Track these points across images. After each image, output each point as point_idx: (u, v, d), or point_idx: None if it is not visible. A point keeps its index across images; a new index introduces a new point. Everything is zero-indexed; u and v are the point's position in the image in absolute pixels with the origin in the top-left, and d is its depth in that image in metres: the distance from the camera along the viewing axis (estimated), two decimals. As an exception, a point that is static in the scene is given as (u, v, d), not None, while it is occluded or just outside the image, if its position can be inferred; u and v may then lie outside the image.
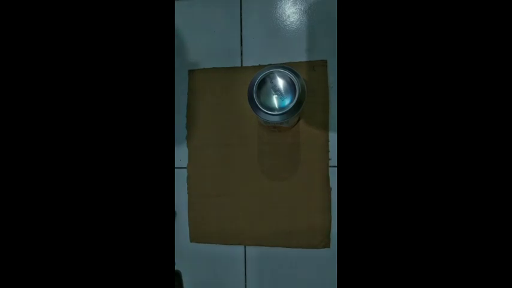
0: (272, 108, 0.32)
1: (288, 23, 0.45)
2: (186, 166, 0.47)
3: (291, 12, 0.45)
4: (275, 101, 0.32)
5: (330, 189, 0.43)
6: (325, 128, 0.43)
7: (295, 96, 0.31)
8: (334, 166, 0.43)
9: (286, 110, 0.31)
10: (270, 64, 0.44)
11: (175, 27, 0.47)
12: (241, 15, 0.47)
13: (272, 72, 0.31)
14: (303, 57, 0.44)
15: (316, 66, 0.43)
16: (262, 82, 0.31)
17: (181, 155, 0.47)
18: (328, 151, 0.43)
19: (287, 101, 0.31)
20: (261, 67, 0.42)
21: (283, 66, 0.31)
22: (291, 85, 0.31)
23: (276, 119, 0.32)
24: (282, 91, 0.31)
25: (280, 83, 0.31)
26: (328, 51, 0.43)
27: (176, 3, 0.47)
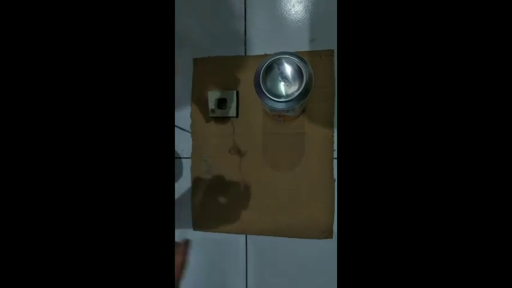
0: (278, 95, 0.31)
1: (293, 12, 0.45)
2: (189, 156, 0.47)
3: (296, 1, 0.45)
4: (282, 87, 0.31)
5: (334, 180, 0.43)
6: (331, 118, 0.43)
7: (302, 83, 0.31)
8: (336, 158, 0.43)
9: (292, 97, 0.31)
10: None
11: (179, 16, 0.47)
12: (245, 4, 0.46)
13: (279, 59, 0.31)
14: (308, 48, 0.44)
15: (322, 56, 0.43)
16: (269, 68, 0.31)
17: (185, 145, 0.47)
18: (333, 142, 0.43)
19: (294, 88, 0.31)
20: (265, 56, 0.42)
21: (291, 53, 0.31)
22: (298, 72, 0.31)
23: (282, 106, 0.32)
24: (289, 78, 0.31)
25: (288, 69, 0.31)
26: (335, 41, 0.43)
27: (180, -10, 0.47)
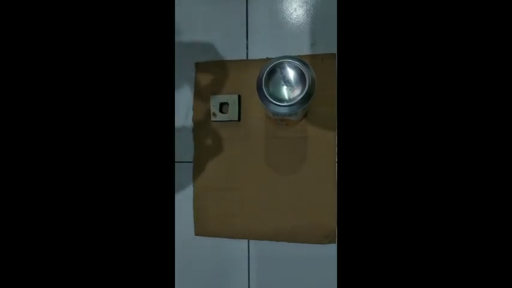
0: (281, 99, 0.31)
1: (295, 16, 0.45)
2: (191, 160, 0.47)
3: (298, 6, 0.45)
4: (284, 92, 0.31)
5: (336, 184, 0.43)
6: (333, 122, 0.43)
7: (305, 87, 0.31)
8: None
9: (295, 101, 0.31)
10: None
11: (182, 20, 0.47)
12: (247, 8, 0.46)
13: (282, 63, 0.31)
14: (309, 52, 0.44)
15: (324, 59, 0.43)
16: (272, 72, 0.31)
17: (186, 149, 0.47)
18: (335, 145, 0.43)
19: (297, 92, 0.31)
20: (267, 60, 0.42)
21: (293, 57, 0.31)
22: (301, 76, 0.31)
23: (285, 110, 0.31)
24: (292, 82, 0.31)
25: (290, 73, 0.31)
26: (336, 45, 0.43)
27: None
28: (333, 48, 0.43)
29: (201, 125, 0.46)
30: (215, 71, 0.46)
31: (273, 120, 0.43)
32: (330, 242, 0.43)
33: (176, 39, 0.47)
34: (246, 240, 0.46)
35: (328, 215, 0.43)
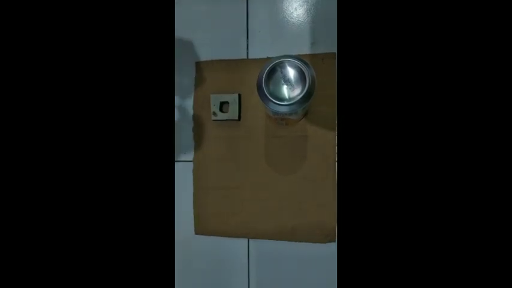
0: (281, 99, 0.31)
1: (295, 15, 0.45)
2: (191, 159, 0.47)
3: (298, 5, 0.45)
4: (285, 91, 0.31)
5: (336, 183, 0.43)
6: (333, 121, 0.43)
7: (305, 86, 0.31)
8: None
9: (295, 100, 0.31)
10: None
11: (182, 19, 0.47)
12: (247, 8, 0.46)
13: (282, 62, 0.31)
14: (310, 51, 0.44)
15: (325, 59, 0.43)
16: (272, 71, 0.31)
17: (186, 149, 0.47)
18: (335, 145, 0.43)
19: (297, 92, 0.31)
20: (268, 59, 0.42)
21: (293, 56, 0.31)
22: (301, 75, 0.31)
23: (285, 109, 0.32)
24: (292, 81, 0.31)
25: (291, 72, 0.31)
26: (336, 44, 0.43)
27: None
28: (333, 48, 0.43)
29: (201, 124, 0.46)
30: (215, 70, 0.46)
31: (273, 120, 0.43)
32: (330, 241, 0.43)
33: (176, 38, 0.47)
34: (246, 239, 0.46)
35: (328, 214, 0.43)
